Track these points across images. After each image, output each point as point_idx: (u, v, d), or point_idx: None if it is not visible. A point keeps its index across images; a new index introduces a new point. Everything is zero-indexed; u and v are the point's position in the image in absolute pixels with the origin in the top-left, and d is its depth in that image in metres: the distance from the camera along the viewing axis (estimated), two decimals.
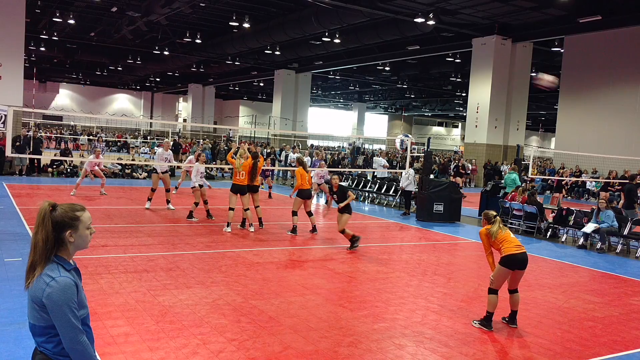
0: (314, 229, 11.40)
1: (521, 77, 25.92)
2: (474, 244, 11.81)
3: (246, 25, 24.60)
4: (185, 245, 9.36)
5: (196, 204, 12.09)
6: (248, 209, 10.95)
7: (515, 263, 5.89)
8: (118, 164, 21.55)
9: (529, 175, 17.69)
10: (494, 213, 6.30)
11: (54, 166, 20.24)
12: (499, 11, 21.90)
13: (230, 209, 10.84)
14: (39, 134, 23.37)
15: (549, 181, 25.05)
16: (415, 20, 21.34)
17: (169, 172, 13.73)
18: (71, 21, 26.10)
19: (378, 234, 12.35)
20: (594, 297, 7.73)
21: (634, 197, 13.87)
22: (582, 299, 7.54)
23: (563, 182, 24.03)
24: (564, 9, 20.83)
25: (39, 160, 19.87)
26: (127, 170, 21.23)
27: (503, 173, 22.09)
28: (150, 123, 58.52)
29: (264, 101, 59.84)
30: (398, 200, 17.15)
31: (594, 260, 10.64)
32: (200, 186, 12.10)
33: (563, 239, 12.59)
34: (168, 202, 13.43)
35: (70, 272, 2.42)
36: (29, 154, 19.07)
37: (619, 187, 18.33)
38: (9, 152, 12.12)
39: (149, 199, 13.31)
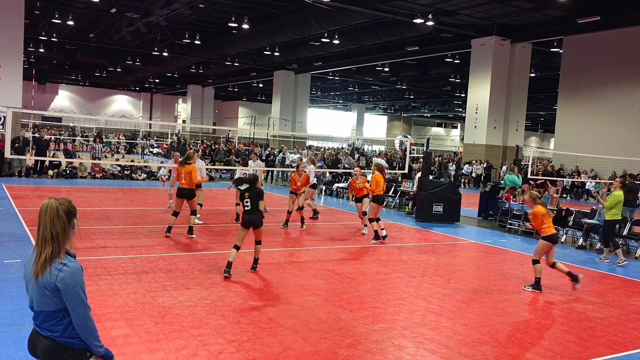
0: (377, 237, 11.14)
1: (520, 77, 25.94)
2: (474, 244, 11.83)
3: (245, 26, 24.62)
4: (184, 246, 9.36)
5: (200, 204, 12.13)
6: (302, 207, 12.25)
7: (556, 240, 7.80)
8: (117, 165, 21.54)
9: (529, 176, 17.61)
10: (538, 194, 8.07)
11: (54, 167, 20.20)
12: (498, 12, 21.91)
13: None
14: (46, 136, 23.10)
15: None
16: (415, 21, 21.35)
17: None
18: (70, 22, 26.12)
19: None
20: (593, 297, 7.74)
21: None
22: (582, 300, 7.54)
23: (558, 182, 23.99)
24: (563, 10, 20.84)
25: (43, 161, 19.83)
26: (126, 172, 21.21)
27: (502, 174, 22.05)
28: (150, 124, 58.48)
29: (263, 102, 59.86)
30: (397, 201, 17.20)
31: (593, 260, 10.65)
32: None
33: (562, 240, 12.58)
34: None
35: (75, 259, 2.67)
36: (34, 155, 19.01)
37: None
38: (8, 153, 12.13)
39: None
